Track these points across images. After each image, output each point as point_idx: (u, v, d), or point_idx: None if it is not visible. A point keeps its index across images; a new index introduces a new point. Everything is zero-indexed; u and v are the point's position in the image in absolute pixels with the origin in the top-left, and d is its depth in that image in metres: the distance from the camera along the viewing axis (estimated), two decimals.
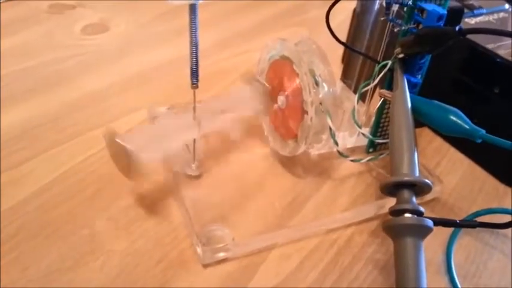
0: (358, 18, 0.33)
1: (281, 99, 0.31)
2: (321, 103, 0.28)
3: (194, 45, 0.26)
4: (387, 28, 0.30)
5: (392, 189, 0.25)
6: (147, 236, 0.27)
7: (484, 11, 0.39)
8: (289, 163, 0.34)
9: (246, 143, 0.35)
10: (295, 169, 0.33)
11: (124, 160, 0.26)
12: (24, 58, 0.43)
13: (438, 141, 0.37)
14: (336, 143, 0.29)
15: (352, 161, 0.31)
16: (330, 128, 0.29)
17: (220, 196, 0.30)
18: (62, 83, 0.40)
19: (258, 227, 0.28)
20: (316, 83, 0.28)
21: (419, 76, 0.30)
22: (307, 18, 0.56)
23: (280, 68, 0.31)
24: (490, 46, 0.33)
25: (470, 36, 0.33)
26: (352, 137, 0.34)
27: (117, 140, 0.26)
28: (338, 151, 0.30)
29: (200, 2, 0.24)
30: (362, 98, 0.32)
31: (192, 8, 0.24)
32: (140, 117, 0.36)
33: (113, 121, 0.36)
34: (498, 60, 0.33)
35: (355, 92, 0.33)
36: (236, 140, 0.32)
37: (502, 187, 0.34)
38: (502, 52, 0.33)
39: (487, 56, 0.33)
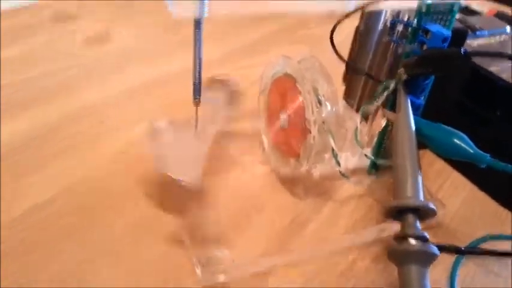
0: (361, 37, 0.32)
1: (283, 117, 0.31)
2: (323, 122, 0.28)
3: (198, 59, 0.26)
4: (391, 48, 0.30)
5: (395, 213, 0.24)
6: (145, 256, 0.27)
7: (486, 33, 0.39)
8: (290, 182, 0.33)
9: (246, 160, 0.35)
10: (296, 189, 0.33)
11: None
12: (25, 68, 0.43)
13: (440, 163, 0.37)
14: (338, 163, 0.29)
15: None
16: (332, 149, 0.28)
17: (220, 215, 0.30)
18: (63, 94, 0.40)
19: (258, 249, 0.28)
20: (319, 102, 0.28)
21: (422, 98, 0.30)
22: (310, 34, 0.56)
23: (283, 86, 0.31)
24: (492, 69, 0.33)
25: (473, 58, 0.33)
26: (354, 157, 0.34)
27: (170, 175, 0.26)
28: (340, 172, 0.30)
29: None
30: (364, 117, 0.32)
31: (197, 23, 0.24)
32: (140, 130, 0.35)
33: (112, 133, 0.35)
34: (500, 83, 0.32)
35: (357, 111, 0.33)
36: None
37: (504, 212, 0.33)
38: (504, 75, 0.33)
39: (490, 79, 0.33)
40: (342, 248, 0.28)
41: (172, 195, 0.30)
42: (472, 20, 0.41)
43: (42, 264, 0.25)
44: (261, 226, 0.29)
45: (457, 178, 0.36)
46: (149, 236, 0.28)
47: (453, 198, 0.34)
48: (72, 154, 0.33)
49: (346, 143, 0.32)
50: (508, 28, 0.40)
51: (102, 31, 0.52)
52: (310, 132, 0.28)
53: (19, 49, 0.46)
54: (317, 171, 0.33)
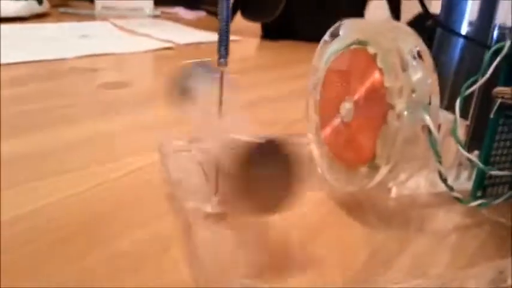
0: None
1: (346, 107, 0.21)
2: (413, 91, 0.18)
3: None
4: None
5: None
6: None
7: None
8: (357, 210, 0.23)
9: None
10: (367, 217, 0.22)
11: None
12: (32, 100, 0.36)
13: None
14: (440, 161, 0.19)
15: (457, 199, 0.20)
16: (430, 132, 0.18)
17: (251, 247, 0.19)
18: (68, 124, 0.32)
19: None
20: (405, 66, 0.19)
21: None
22: None
23: (345, 65, 0.22)
24: None
25: None
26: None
27: None
28: (447, 185, 0.19)
29: None
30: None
31: None
32: (148, 158, 0.27)
33: (113, 161, 0.26)
34: None
35: (448, 109, 0.24)
36: None
37: None
38: None
39: None
40: None
41: (180, 219, 0.20)
42: None
43: None
44: (314, 264, 0.19)
45: None
46: (141, 269, 0.17)
47: None
48: (58, 178, 0.24)
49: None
50: None
51: (122, 79, 0.46)
52: (394, 109, 0.18)
53: (29, 88, 0.39)
54: (399, 189, 0.22)
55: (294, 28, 0.73)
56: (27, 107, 0.35)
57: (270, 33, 0.76)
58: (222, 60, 0.18)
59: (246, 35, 0.75)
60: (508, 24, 0.22)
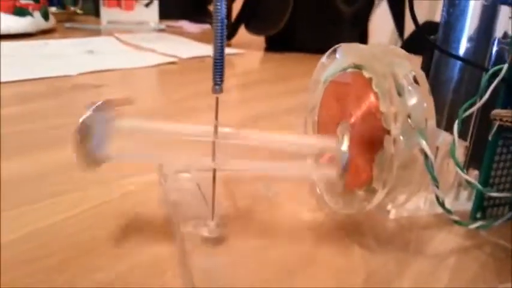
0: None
1: (343, 128, 0.21)
2: (409, 116, 0.18)
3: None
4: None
5: None
6: None
7: None
8: (355, 232, 0.23)
9: (287, 207, 0.25)
10: (365, 240, 0.22)
11: None
12: (26, 119, 0.36)
13: None
14: (436, 185, 0.19)
15: (456, 222, 0.20)
16: (426, 156, 0.18)
17: (249, 273, 0.19)
18: (61, 145, 0.32)
19: None
20: (401, 91, 0.19)
21: None
22: None
23: (342, 89, 0.22)
24: None
25: None
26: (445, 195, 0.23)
27: None
28: (444, 208, 0.19)
29: None
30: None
31: None
32: (148, 178, 0.27)
33: (112, 182, 0.26)
34: None
35: (447, 129, 0.24)
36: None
37: None
38: None
39: None
40: None
41: (175, 243, 0.20)
42: None
43: None
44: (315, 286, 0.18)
45: None
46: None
47: None
48: (48, 202, 0.24)
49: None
50: None
51: (126, 96, 0.46)
52: (390, 134, 0.18)
53: (30, 107, 0.40)
54: (397, 212, 0.22)
55: (297, 40, 0.73)
56: (30, 125, 0.35)
57: (274, 46, 0.76)
58: (217, 87, 0.18)
59: (250, 48, 0.75)
60: (509, 32, 0.22)
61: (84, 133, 0.17)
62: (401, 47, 0.20)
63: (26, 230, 0.21)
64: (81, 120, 0.17)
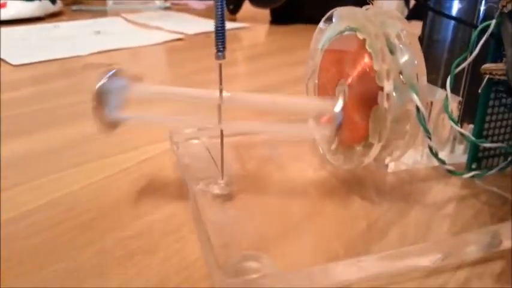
0: None
1: (340, 89, 0.23)
2: (401, 73, 0.19)
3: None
4: None
5: None
6: (148, 274, 0.18)
7: None
8: (357, 186, 0.24)
9: (292, 166, 0.26)
10: (366, 192, 0.24)
11: None
12: (43, 99, 0.38)
13: None
14: (429, 137, 0.20)
15: (450, 172, 0.22)
16: (418, 110, 0.19)
17: (257, 223, 0.21)
18: (78, 120, 0.33)
19: (315, 260, 0.18)
20: (393, 49, 0.20)
21: None
22: None
23: (338, 53, 0.23)
24: None
25: None
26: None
27: None
28: (438, 159, 0.20)
29: None
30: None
31: None
32: (162, 147, 0.28)
33: (128, 151, 0.28)
34: None
35: (443, 86, 0.25)
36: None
37: None
38: None
39: None
40: (442, 259, 0.18)
41: (189, 201, 0.22)
42: None
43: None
44: (316, 237, 0.20)
45: None
46: (154, 251, 0.19)
47: None
48: (69, 172, 0.26)
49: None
50: None
51: (136, 74, 0.47)
52: (383, 90, 0.20)
53: (43, 87, 0.42)
54: (395, 165, 0.24)
55: (301, 12, 0.73)
56: (48, 104, 0.37)
57: (278, 19, 0.76)
58: (219, 54, 0.19)
59: (255, 21, 0.76)
60: None
61: (101, 98, 0.19)
62: (406, 17, 0.21)
63: (52, 196, 0.23)
64: (97, 86, 0.19)
